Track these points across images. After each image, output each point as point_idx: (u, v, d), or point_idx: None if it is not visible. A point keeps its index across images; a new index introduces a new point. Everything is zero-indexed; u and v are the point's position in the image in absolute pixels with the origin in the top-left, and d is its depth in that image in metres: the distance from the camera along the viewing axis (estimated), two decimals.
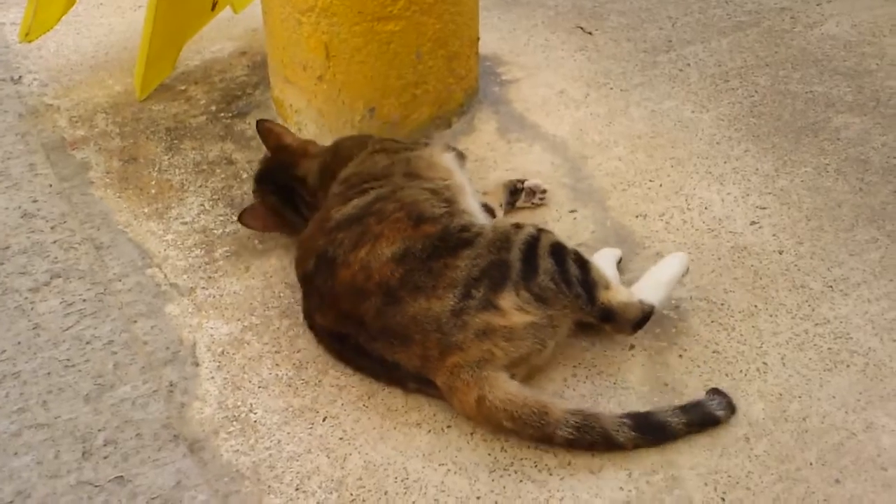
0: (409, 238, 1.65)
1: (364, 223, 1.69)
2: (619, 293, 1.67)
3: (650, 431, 1.56)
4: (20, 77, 2.66)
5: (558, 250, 1.65)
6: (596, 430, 1.54)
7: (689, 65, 2.63)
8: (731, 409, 1.63)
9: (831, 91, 2.48)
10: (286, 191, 1.97)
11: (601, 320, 1.66)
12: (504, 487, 1.55)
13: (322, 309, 1.73)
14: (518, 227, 1.69)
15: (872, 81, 2.51)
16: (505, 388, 1.56)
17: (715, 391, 1.65)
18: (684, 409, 1.60)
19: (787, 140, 2.31)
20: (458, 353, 1.57)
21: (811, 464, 1.56)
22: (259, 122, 2.06)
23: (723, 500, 1.51)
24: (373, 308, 1.62)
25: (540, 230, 1.69)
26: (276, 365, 1.78)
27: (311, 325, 1.79)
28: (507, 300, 1.59)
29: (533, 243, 1.65)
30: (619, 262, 1.91)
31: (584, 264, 1.65)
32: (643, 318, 1.68)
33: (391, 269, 1.62)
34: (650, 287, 1.73)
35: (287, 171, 1.98)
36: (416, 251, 1.63)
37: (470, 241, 1.65)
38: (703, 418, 1.60)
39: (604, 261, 1.83)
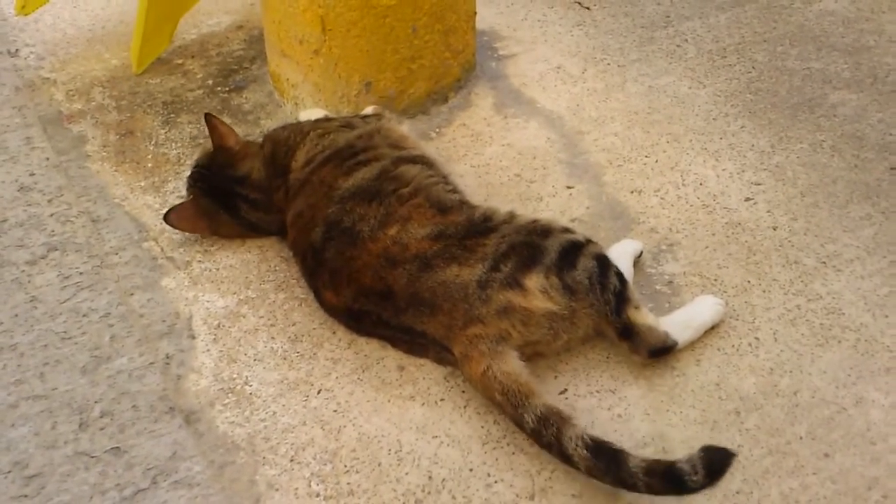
0: (441, 224, 1.71)
1: (387, 204, 1.74)
2: (646, 317, 1.67)
3: (606, 461, 1.44)
4: (17, 50, 2.66)
5: (604, 259, 1.68)
6: (552, 431, 1.48)
7: (686, 40, 2.62)
8: (711, 474, 1.41)
9: (828, 67, 2.47)
10: (222, 193, 1.96)
11: (621, 335, 1.65)
12: (496, 459, 1.56)
13: (336, 286, 1.75)
14: (567, 230, 1.71)
15: (870, 58, 2.51)
16: (510, 364, 1.58)
17: (703, 449, 1.45)
18: (654, 462, 1.43)
19: (783, 116, 2.31)
20: (479, 326, 1.60)
21: (801, 438, 1.58)
22: (207, 117, 2.00)
23: None
24: (405, 275, 1.66)
25: (589, 240, 1.71)
26: (272, 338, 1.79)
27: (321, 303, 1.81)
28: (534, 281, 1.61)
29: (578, 245, 1.67)
30: (640, 255, 1.91)
31: (623, 280, 1.67)
32: (663, 348, 1.67)
33: (429, 244, 1.68)
34: (680, 325, 1.71)
35: (225, 171, 1.97)
36: (450, 232, 1.69)
37: (496, 227, 1.70)
38: (669, 480, 1.42)
39: (621, 254, 1.84)
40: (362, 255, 1.70)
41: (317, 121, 2.08)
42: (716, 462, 1.42)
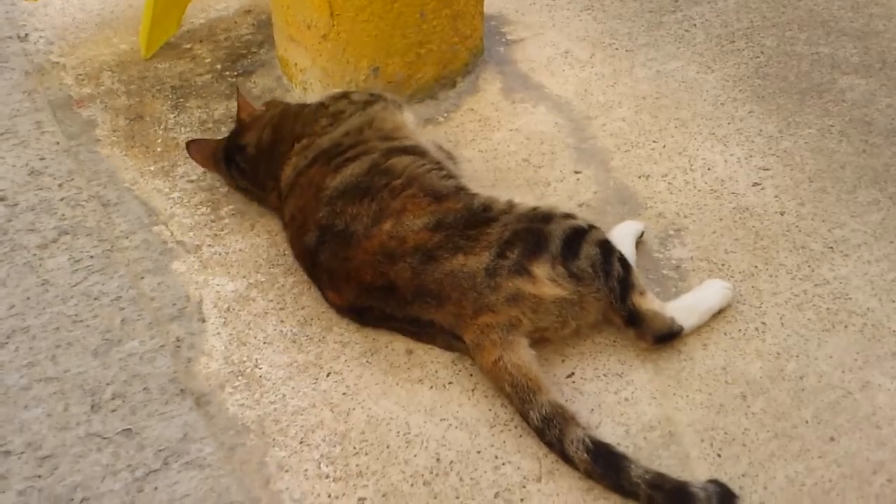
0: (437, 212, 1.70)
1: (379, 199, 1.73)
2: (651, 302, 1.67)
3: (605, 466, 1.47)
4: (26, 35, 2.66)
5: (607, 245, 1.68)
6: (555, 431, 1.51)
7: (695, 25, 2.62)
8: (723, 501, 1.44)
9: (837, 52, 2.47)
10: (229, 153, 2.04)
11: (627, 322, 1.66)
12: (504, 442, 1.58)
13: (336, 286, 1.76)
14: (569, 215, 1.71)
15: (879, 42, 2.50)
16: (521, 356, 1.59)
17: (716, 483, 1.47)
18: (661, 476, 1.45)
19: (791, 101, 2.31)
20: (489, 314, 1.61)
21: (807, 422, 1.59)
22: (237, 90, 2.06)
23: (719, 455, 1.54)
24: (408, 268, 1.65)
25: (592, 225, 1.71)
26: (281, 321, 1.80)
27: (326, 301, 1.82)
28: (542, 269, 1.62)
29: (581, 232, 1.68)
30: (642, 235, 1.91)
31: (627, 266, 1.67)
32: (669, 334, 1.68)
33: (428, 235, 1.67)
34: (686, 309, 1.72)
35: (234, 138, 2.05)
36: (450, 221, 1.68)
37: (497, 217, 1.69)
38: (678, 499, 1.44)
39: (624, 237, 1.85)
40: (358, 254, 1.70)
41: (304, 123, 2.00)
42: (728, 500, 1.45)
